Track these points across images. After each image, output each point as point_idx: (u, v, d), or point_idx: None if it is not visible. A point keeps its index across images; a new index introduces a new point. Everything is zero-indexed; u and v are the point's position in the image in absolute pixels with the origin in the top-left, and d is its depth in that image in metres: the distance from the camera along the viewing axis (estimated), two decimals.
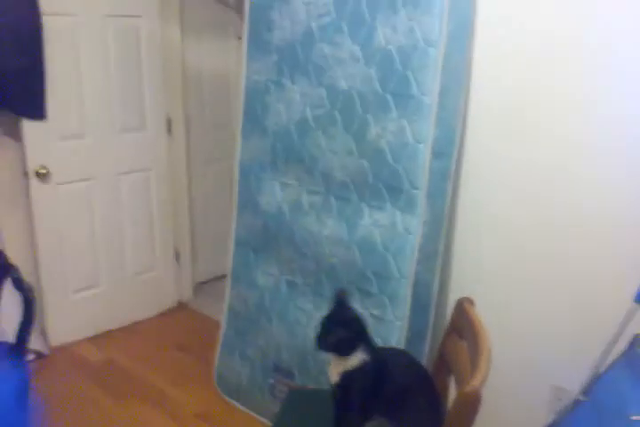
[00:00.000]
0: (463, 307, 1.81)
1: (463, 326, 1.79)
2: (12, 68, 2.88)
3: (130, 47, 3.36)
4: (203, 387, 3.02)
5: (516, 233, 2.25)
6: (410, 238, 2.20)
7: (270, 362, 2.68)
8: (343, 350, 1.69)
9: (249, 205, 2.72)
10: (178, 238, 3.87)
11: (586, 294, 2.11)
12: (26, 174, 3.12)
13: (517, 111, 2.18)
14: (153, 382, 3.08)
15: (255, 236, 2.70)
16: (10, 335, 1.98)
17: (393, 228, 2.23)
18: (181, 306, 3.94)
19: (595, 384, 1.76)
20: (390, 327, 2.27)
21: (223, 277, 2.98)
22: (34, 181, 3.12)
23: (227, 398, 2.92)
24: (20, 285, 1.99)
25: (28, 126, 3.05)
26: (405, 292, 2.23)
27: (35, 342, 3.11)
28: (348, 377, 1.70)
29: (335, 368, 1.72)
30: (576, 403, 1.82)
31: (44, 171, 3.11)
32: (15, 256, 2.18)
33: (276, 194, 2.61)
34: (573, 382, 1.96)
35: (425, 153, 2.13)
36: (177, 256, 3.89)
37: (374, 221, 2.28)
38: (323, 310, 2.41)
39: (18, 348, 1.98)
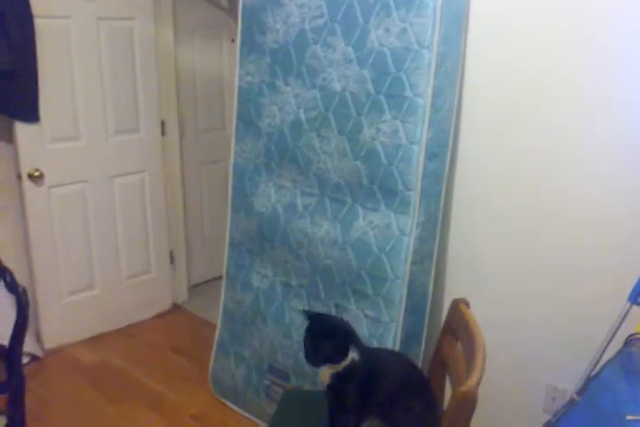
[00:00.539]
0: (458, 307, 1.82)
1: (458, 326, 1.80)
2: (3, 70, 2.88)
3: (123, 49, 3.35)
4: (198, 389, 3.02)
5: (511, 233, 2.27)
6: (404, 240, 2.20)
7: (265, 363, 2.68)
8: (336, 358, 1.68)
9: (243, 206, 2.72)
10: (172, 241, 3.87)
11: (581, 294, 2.12)
12: (19, 177, 3.12)
13: (511, 111, 2.19)
14: (148, 384, 3.08)
15: (250, 237, 2.70)
16: (4, 338, 1.98)
17: (387, 229, 2.23)
18: (176, 308, 3.93)
19: (589, 384, 1.77)
20: (385, 328, 2.27)
21: (218, 278, 2.99)
22: (27, 184, 3.11)
23: (222, 400, 2.92)
24: (13, 287, 1.99)
25: (21, 129, 3.04)
26: (400, 293, 2.23)
27: (29, 345, 3.11)
28: (339, 378, 1.70)
29: (326, 370, 1.71)
30: (571, 403, 1.83)
31: (37, 173, 3.11)
32: (9, 259, 2.18)
33: (270, 196, 2.61)
34: (568, 381, 1.97)
35: (419, 154, 2.14)
36: (172, 258, 3.88)
37: (369, 223, 2.28)
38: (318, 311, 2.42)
39: (12, 351, 1.97)
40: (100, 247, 3.48)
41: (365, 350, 1.73)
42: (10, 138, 3.09)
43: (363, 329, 2.28)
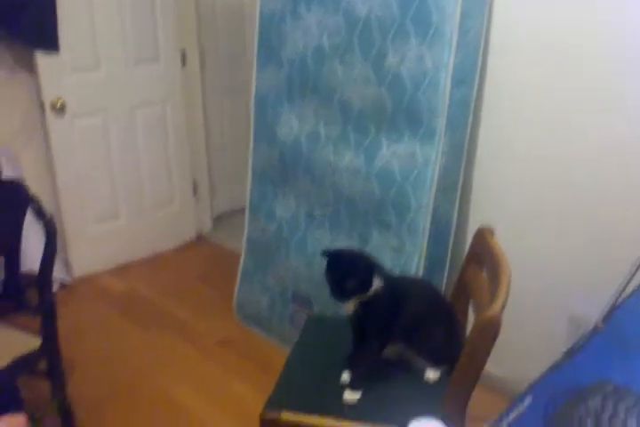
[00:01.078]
0: (484, 236, 1.81)
1: (483, 254, 1.79)
2: None
3: None
4: (223, 316, 3.08)
5: (536, 163, 2.23)
6: (429, 169, 2.18)
7: (289, 291, 2.72)
8: (361, 290, 1.69)
9: (265, 136, 2.69)
10: (195, 171, 3.87)
11: (605, 223, 2.10)
12: (42, 107, 3.11)
13: (543, 36, 2.11)
14: (174, 312, 3.15)
15: (272, 168, 2.69)
16: (35, 265, 2.02)
17: (412, 158, 2.21)
18: (200, 238, 3.98)
19: (614, 312, 1.77)
20: (409, 257, 2.28)
21: (242, 209, 3.00)
22: (50, 114, 3.10)
23: (247, 327, 2.99)
24: (41, 215, 2.01)
25: (42, 59, 3.01)
26: (424, 222, 2.23)
27: (58, 272, 3.18)
28: (364, 306, 1.72)
29: (352, 300, 1.73)
30: (595, 331, 1.84)
31: (60, 103, 3.09)
32: (35, 188, 2.19)
33: (292, 125, 2.58)
34: (593, 311, 1.97)
35: (445, 80, 2.08)
36: (195, 189, 3.90)
37: (393, 152, 2.26)
38: (340, 242, 2.43)
39: (42, 277, 2.01)
40: (123, 177, 3.50)
41: (389, 278, 1.75)
42: (31, 68, 3.06)
43: (385, 259, 2.29)
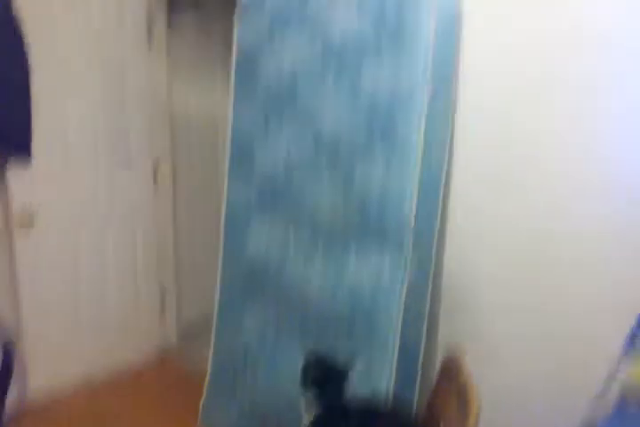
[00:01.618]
0: (452, 358, 1.79)
1: (451, 380, 1.77)
2: None
3: (116, 88, 3.35)
4: None
5: (502, 290, 2.23)
6: (397, 287, 2.18)
7: (256, 411, 2.63)
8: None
9: (235, 249, 2.70)
10: (163, 285, 3.82)
11: (573, 351, 2.09)
12: (8, 219, 3.07)
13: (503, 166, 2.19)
14: None
15: (241, 281, 2.68)
16: None
17: (380, 276, 2.21)
18: (166, 353, 3.86)
19: None
20: (377, 376, 2.23)
21: (209, 323, 2.94)
22: (17, 226, 3.07)
23: None
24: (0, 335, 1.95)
25: (13, 170, 3.01)
26: (393, 341, 2.20)
27: (16, 393, 3.03)
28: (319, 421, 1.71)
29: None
30: None
31: (28, 214, 3.07)
32: None
33: (262, 238, 2.59)
34: None
35: (411, 201, 2.13)
36: (162, 304, 3.83)
37: (361, 269, 2.26)
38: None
39: None
40: (89, 292, 3.41)
41: (345, 399, 1.72)
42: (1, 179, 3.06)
43: (354, 375, 2.24)
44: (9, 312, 3.05)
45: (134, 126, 3.46)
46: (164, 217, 3.75)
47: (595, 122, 1.95)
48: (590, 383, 1.86)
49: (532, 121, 2.08)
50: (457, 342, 1.88)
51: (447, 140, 2.25)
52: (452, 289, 2.40)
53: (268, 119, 2.50)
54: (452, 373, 1.77)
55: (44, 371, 3.28)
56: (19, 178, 3.04)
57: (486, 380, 1.77)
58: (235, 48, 2.63)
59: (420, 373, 2.37)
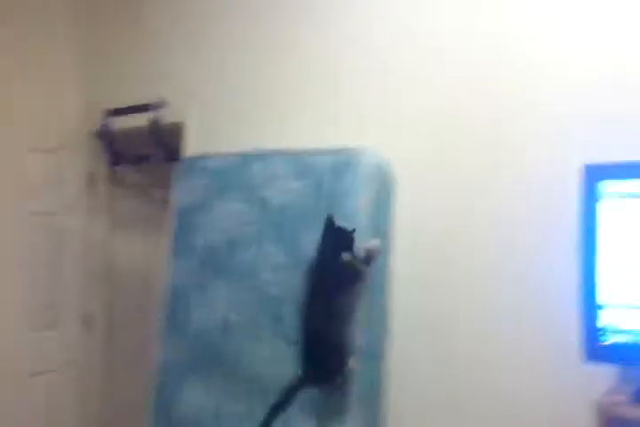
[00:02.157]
0: None
1: None
2: None
3: (52, 242, 3.30)
4: None
5: None
6: None
7: None
8: None
9: (165, 411, 2.52)
10: None
11: None
12: None
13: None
14: None
15: None
16: None
17: None
18: None
19: None
20: None
21: None
22: None
23: None
24: None
25: None
26: None
27: None
28: None
29: None
30: None
31: None
32: None
33: (196, 400, 2.44)
34: None
35: None
36: None
37: None
38: None
39: None
40: None
41: None
42: None
43: None
44: None
45: (67, 283, 3.36)
46: (93, 376, 3.53)
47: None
48: None
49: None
50: None
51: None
52: None
53: (205, 277, 2.46)
54: None
55: None
56: None
57: None
58: (173, 206, 2.64)
59: None
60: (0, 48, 3.10)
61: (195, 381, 2.46)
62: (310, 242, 2.11)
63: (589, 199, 1.74)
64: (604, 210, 1.72)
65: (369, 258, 2.04)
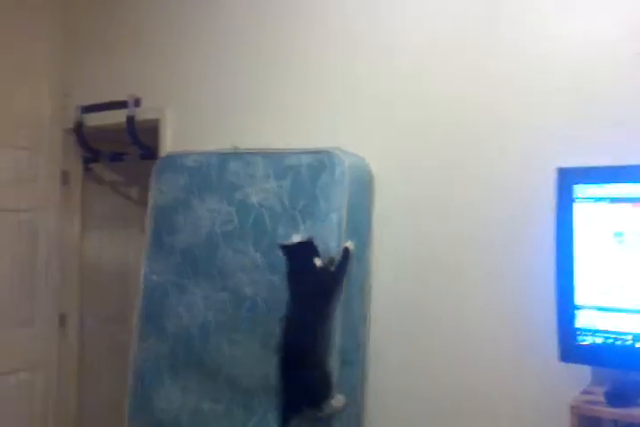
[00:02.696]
0: None
1: None
2: None
3: (25, 240, 3.25)
4: None
5: None
6: None
7: None
8: None
9: (143, 412, 2.51)
10: None
11: None
12: None
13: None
14: None
15: None
16: None
17: None
18: None
19: None
20: None
21: None
22: None
23: None
24: None
25: None
26: None
27: None
28: None
29: None
30: None
31: None
32: None
33: (173, 401, 2.43)
34: None
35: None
36: None
37: None
38: None
39: None
40: None
41: None
42: None
43: None
44: None
45: (42, 281, 3.31)
46: (68, 376, 3.50)
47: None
48: None
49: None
50: None
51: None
52: None
53: (182, 276, 2.45)
54: None
55: None
56: None
57: None
58: (150, 204, 2.62)
59: None
60: None
61: (172, 380, 2.45)
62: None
63: (565, 202, 1.76)
64: (579, 212, 1.75)
65: (344, 259, 2.06)
